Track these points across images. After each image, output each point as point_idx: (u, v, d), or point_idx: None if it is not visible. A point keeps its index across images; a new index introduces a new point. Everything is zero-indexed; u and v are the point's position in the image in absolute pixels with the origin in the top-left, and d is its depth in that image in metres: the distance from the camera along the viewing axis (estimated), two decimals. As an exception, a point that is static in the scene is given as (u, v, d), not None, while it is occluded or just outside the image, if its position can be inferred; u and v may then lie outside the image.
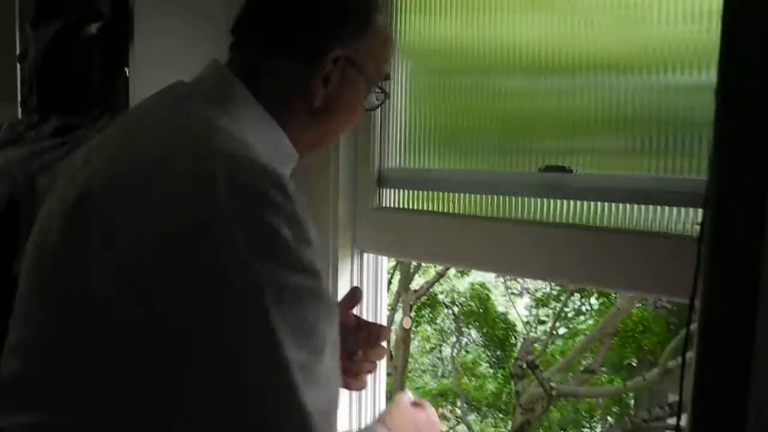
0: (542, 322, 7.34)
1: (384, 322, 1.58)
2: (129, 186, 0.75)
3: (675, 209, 1.07)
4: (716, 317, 0.82)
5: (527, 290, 7.74)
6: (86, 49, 1.59)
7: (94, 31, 1.58)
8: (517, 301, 7.79)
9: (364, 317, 1.53)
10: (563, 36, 1.21)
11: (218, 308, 0.71)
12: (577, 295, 7.03)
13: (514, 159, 1.31)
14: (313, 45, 0.87)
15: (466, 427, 7.15)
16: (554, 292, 7.26)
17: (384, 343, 1.12)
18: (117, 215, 0.74)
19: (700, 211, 0.89)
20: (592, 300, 7.08)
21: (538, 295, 7.46)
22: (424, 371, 8.35)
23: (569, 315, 7.33)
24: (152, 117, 0.85)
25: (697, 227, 0.88)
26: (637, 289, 1.19)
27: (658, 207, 1.11)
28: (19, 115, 1.98)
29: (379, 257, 1.56)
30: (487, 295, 7.39)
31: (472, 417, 7.42)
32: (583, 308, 7.26)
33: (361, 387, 1.13)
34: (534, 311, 7.47)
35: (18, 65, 1.93)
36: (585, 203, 1.19)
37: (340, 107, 0.92)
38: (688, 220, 1.06)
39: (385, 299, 1.61)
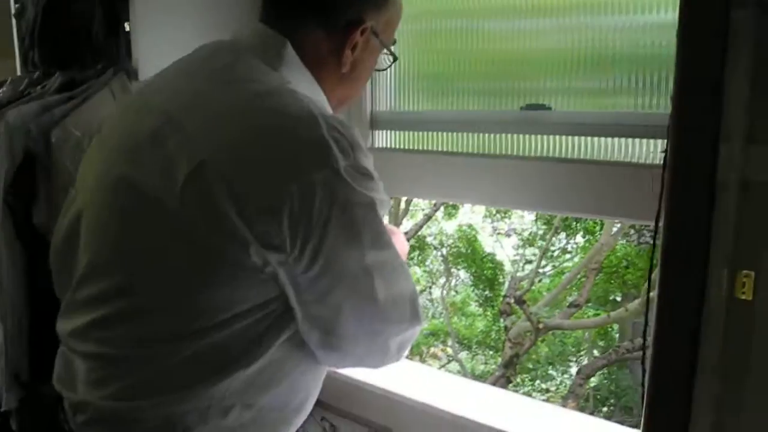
0: (529, 262, 7.50)
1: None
2: (252, 154, 0.85)
3: (639, 141, 1.18)
4: (677, 235, 0.94)
5: (514, 230, 7.90)
6: (86, 5, 1.64)
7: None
8: (504, 241, 7.95)
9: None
10: None
11: (341, 229, 0.86)
12: (563, 234, 7.19)
13: (498, 99, 1.40)
14: (349, 17, 0.98)
15: (458, 364, 7.38)
16: (540, 232, 7.42)
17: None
18: (245, 179, 0.84)
19: (663, 142, 1.00)
20: (578, 238, 7.24)
21: (525, 235, 7.61)
22: (415, 312, 8.52)
23: (555, 254, 7.50)
24: (227, 79, 0.93)
25: (662, 155, 0.99)
26: (606, 214, 1.30)
27: (627, 139, 1.21)
28: (18, 71, 2.03)
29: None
30: (475, 236, 7.54)
31: (463, 355, 7.65)
32: (569, 247, 7.43)
33: None
34: (521, 251, 7.63)
35: (14, 21, 1.97)
36: (561, 137, 1.29)
37: (362, 70, 1.04)
38: (651, 150, 1.17)
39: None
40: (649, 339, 0.99)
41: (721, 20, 0.88)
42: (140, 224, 0.89)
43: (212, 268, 0.86)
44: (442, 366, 7.69)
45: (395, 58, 1.08)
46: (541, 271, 7.42)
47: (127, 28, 1.54)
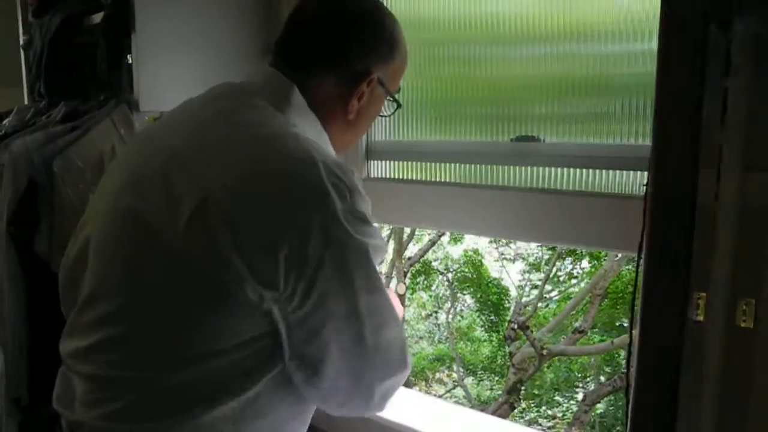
0: (536, 287, 7.49)
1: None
2: (253, 194, 0.89)
3: (626, 173, 1.21)
4: (657, 265, 0.96)
5: (520, 255, 7.89)
6: (90, 39, 1.69)
7: (98, 20, 1.68)
8: (510, 267, 7.94)
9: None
10: (540, 7, 1.32)
11: (334, 269, 0.89)
12: (569, 259, 7.18)
13: (491, 125, 1.42)
14: (358, 69, 1.02)
15: (462, 390, 7.35)
16: (546, 257, 7.41)
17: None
18: (246, 217, 0.88)
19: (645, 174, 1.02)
20: (584, 263, 7.23)
21: (531, 260, 7.61)
22: (420, 337, 8.51)
23: (561, 279, 7.49)
24: (235, 121, 0.97)
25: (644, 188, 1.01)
26: (592, 244, 1.32)
27: (615, 171, 1.24)
28: (26, 100, 2.09)
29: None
30: (480, 261, 7.54)
31: (468, 380, 7.61)
32: (575, 271, 7.42)
33: None
34: (527, 276, 7.62)
35: (23, 53, 2.03)
36: (551, 169, 1.32)
37: (366, 117, 1.08)
38: (638, 182, 1.19)
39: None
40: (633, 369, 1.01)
41: (699, 49, 0.91)
42: (144, 255, 0.93)
43: (210, 301, 0.88)
44: (448, 391, 7.65)
45: (399, 106, 1.12)
46: (548, 296, 7.41)
47: (130, 62, 1.59)
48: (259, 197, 0.89)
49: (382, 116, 1.13)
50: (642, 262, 1.00)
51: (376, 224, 0.95)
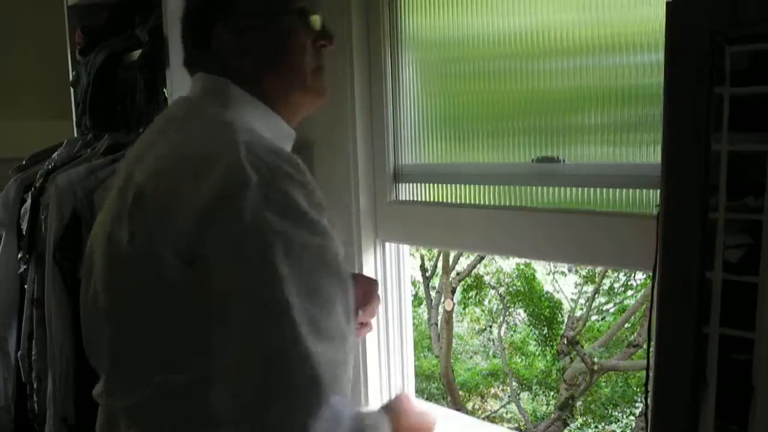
0: (590, 298, 7.38)
1: (408, 307, 1.74)
2: (176, 180, 0.93)
3: (646, 191, 1.21)
4: (670, 292, 0.96)
5: (573, 268, 7.79)
6: (130, 75, 1.78)
7: (136, 58, 1.77)
8: (563, 279, 7.84)
9: (389, 304, 1.70)
10: (557, 21, 1.33)
11: (236, 255, 0.87)
12: (624, 270, 7.05)
13: (511, 140, 1.43)
14: (224, 31, 1.05)
15: (515, 407, 7.27)
16: (599, 269, 7.30)
17: (377, 300, 1.22)
18: (170, 201, 0.92)
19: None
20: (639, 274, 7.09)
21: (584, 272, 7.50)
22: (474, 352, 8.47)
23: (617, 290, 7.35)
24: (174, 124, 1.04)
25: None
26: (612, 263, 1.32)
27: (636, 190, 1.24)
28: (75, 132, 2.20)
29: (400, 246, 1.72)
30: (533, 274, 7.47)
31: (524, 395, 7.52)
32: (631, 282, 7.27)
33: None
34: (580, 288, 7.52)
35: (72, 89, 2.14)
36: (572, 189, 1.32)
37: (287, 61, 1.07)
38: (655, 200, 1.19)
39: (408, 285, 1.77)
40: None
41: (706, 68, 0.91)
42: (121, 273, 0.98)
43: (172, 299, 0.91)
44: (502, 406, 7.57)
45: (319, 34, 1.08)
46: (603, 309, 7.28)
47: (165, 95, 1.66)
48: (176, 182, 0.92)
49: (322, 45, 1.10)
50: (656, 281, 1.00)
51: (321, 220, 0.90)
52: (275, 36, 1.06)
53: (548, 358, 7.36)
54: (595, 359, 4.95)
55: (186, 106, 1.07)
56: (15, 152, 2.36)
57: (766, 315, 0.89)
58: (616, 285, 7.29)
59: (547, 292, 7.51)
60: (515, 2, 1.40)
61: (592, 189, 1.30)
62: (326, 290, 0.90)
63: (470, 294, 7.84)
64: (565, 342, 5.31)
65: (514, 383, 7.42)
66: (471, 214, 1.50)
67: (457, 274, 6.75)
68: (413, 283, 7.34)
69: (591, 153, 1.31)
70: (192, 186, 0.90)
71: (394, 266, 1.72)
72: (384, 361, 1.72)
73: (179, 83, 1.62)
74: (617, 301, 7.33)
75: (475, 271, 7.22)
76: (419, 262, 7.30)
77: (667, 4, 0.98)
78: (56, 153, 1.92)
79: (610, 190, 1.28)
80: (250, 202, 0.87)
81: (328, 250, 0.92)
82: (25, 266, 1.81)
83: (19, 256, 1.84)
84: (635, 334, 6.00)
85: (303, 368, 0.85)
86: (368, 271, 1.69)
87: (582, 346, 4.99)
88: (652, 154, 1.20)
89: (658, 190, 1.15)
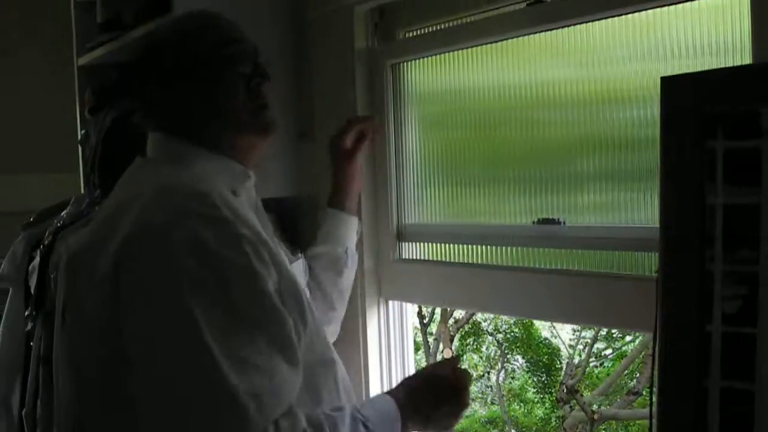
0: (588, 345, 7.35)
1: (410, 366, 1.75)
2: (99, 234, 1.02)
3: (646, 254, 1.24)
4: (672, 348, 0.99)
5: (571, 314, 7.76)
6: (137, 135, 1.82)
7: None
8: (561, 325, 7.82)
9: (392, 358, 1.72)
10: (552, 77, 1.38)
11: (145, 297, 0.93)
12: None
13: (512, 200, 1.47)
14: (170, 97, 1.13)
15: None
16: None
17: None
18: (94, 255, 0.99)
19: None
20: (636, 320, 7.07)
21: (581, 318, 7.47)
22: (473, 399, 8.39)
23: (615, 336, 7.33)
24: (118, 187, 1.15)
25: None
26: (613, 324, 1.34)
27: (636, 253, 1.27)
28: (81, 185, 2.24)
29: (403, 304, 1.74)
30: (530, 321, 7.45)
31: (523, 443, 7.44)
32: (629, 329, 7.25)
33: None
34: (578, 334, 7.49)
35: (80, 147, 2.19)
36: (571, 251, 1.36)
37: (220, 108, 1.13)
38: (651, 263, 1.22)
39: (411, 343, 1.79)
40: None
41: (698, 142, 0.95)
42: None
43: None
44: (502, 455, 7.48)
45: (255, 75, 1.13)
46: (602, 354, 7.25)
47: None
48: (98, 235, 1.03)
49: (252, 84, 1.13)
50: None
51: (235, 255, 0.94)
52: (204, 86, 1.11)
53: (547, 405, 7.30)
54: (595, 407, 4.92)
55: (135, 167, 1.15)
56: (23, 205, 2.40)
57: (765, 367, 0.91)
58: (614, 330, 7.27)
59: (545, 339, 7.49)
60: (514, 59, 1.45)
61: (592, 251, 1.33)
62: (241, 323, 0.92)
63: (468, 341, 7.81)
64: (565, 390, 5.29)
65: (513, 431, 7.34)
66: (474, 273, 1.53)
67: (455, 321, 6.73)
68: (411, 330, 7.30)
69: (591, 215, 1.35)
70: (110, 236, 0.97)
71: (398, 324, 1.75)
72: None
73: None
74: (616, 346, 7.31)
75: (472, 317, 7.20)
76: (416, 309, 7.29)
77: (662, 79, 1.03)
78: (65, 211, 1.95)
79: (611, 252, 1.31)
80: (157, 244, 0.93)
81: (241, 283, 0.93)
82: (32, 324, 1.82)
83: (26, 313, 1.85)
84: (634, 380, 5.97)
85: (229, 407, 0.87)
86: (372, 328, 1.71)
87: (582, 395, 4.96)
88: (651, 216, 1.24)
89: (657, 253, 1.19)
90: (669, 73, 1.17)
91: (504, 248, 1.49)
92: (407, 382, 1.15)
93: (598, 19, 1.28)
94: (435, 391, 1.11)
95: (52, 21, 2.60)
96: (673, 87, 1.02)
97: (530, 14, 1.39)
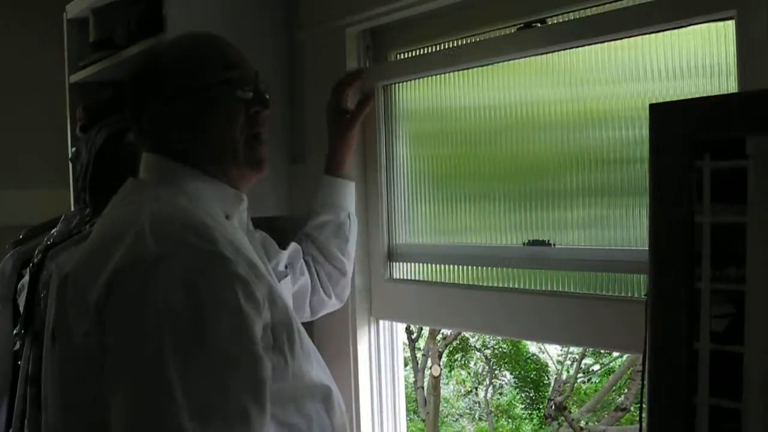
0: (576, 360, 7.37)
1: (400, 385, 1.76)
2: (91, 259, 1.02)
3: (636, 276, 1.26)
4: (661, 369, 1.00)
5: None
6: (130, 154, 1.82)
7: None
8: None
9: (383, 377, 1.72)
10: (541, 97, 1.40)
11: (126, 324, 0.94)
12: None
13: (503, 221, 1.48)
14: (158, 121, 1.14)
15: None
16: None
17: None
18: (83, 277, 1.00)
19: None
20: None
21: (569, 333, 7.49)
22: (461, 415, 8.37)
23: (603, 352, 7.35)
24: (110, 208, 1.15)
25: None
26: (603, 345, 1.36)
27: (626, 275, 1.29)
28: (71, 201, 2.24)
29: (393, 324, 1.75)
30: (518, 336, 7.46)
31: (511, 459, 7.42)
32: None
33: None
34: (567, 349, 7.51)
35: (71, 164, 2.18)
36: (560, 272, 1.37)
37: (210, 138, 1.13)
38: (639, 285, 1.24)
39: (401, 360, 1.79)
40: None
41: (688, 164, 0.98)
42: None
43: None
44: (490, 471, 7.46)
45: (248, 100, 1.13)
46: (590, 369, 7.27)
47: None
48: (90, 259, 1.04)
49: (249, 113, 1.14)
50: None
51: (220, 289, 0.94)
52: (202, 109, 1.11)
53: (535, 421, 7.30)
54: (583, 423, 4.93)
55: (129, 187, 1.15)
56: (11, 221, 2.40)
57: (752, 385, 0.93)
58: (600, 346, 7.28)
59: (533, 355, 7.50)
60: (504, 80, 1.47)
61: (581, 272, 1.35)
62: (217, 362, 0.91)
63: (456, 356, 7.81)
64: (553, 407, 5.29)
65: (501, 448, 7.34)
66: (464, 294, 1.54)
67: (444, 337, 6.73)
68: (399, 346, 7.29)
69: (580, 232, 1.36)
70: (103, 262, 0.97)
71: (388, 343, 1.75)
72: (377, 435, 1.74)
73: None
74: (604, 362, 7.33)
75: (460, 333, 7.21)
76: (404, 325, 7.28)
77: (650, 106, 1.05)
78: (55, 229, 1.94)
79: (600, 274, 1.33)
80: (148, 272, 0.93)
81: (223, 321, 0.93)
82: (20, 343, 1.81)
83: (15, 332, 1.84)
84: (622, 396, 5.99)
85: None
86: (362, 347, 1.72)
87: (570, 411, 4.97)
88: (639, 234, 1.25)
89: (645, 276, 1.20)
90: (656, 93, 1.22)
91: (494, 269, 1.50)
92: None
93: (587, 45, 1.30)
94: None
95: (44, 38, 2.60)
96: (662, 114, 1.04)
97: (520, 39, 1.42)
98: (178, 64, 1.13)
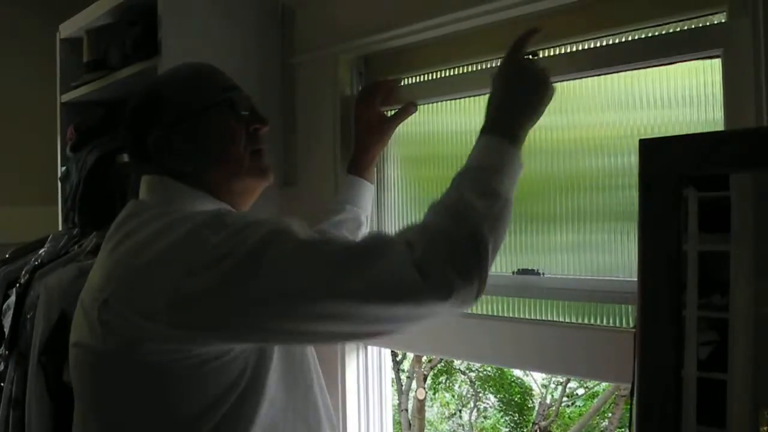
0: (560, 384, 7.37)
1: (388, 411, 1.76)
2: (137, 280, 1.02)
3: (615, 306, 1.27)
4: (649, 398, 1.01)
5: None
6: (120, 175, 1.83)
7: (126, 159, 1.82)
8: (533, 365, 7.83)
9: (370, 404, 1.72)
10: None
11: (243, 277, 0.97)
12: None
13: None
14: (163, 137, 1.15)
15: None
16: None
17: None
18: (125, 288, 1.02)
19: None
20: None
21: (554, 357, 7.50)
22: (445, 436, 8.34)
23: (587, 376, 7.35)
24: (122, 229, 1.11)
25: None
26: (594, 376, 1.37)
27: (614, 305, 1.30)
28: (59, 218, 2.23)
29: (382, 350, 1.75)
30: (503, 360, 7.46)
31: (494, 483, 7.39)
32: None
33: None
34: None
35: (59, 183, 2.18)
36: (549, 302, 1.38)
37: (212, 157, 1.16)
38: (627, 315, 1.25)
39: (389, 386, 1.79)
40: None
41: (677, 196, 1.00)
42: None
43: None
44: (473, 496, 7.42)
45: (250, 118, 1.18)
46: (575, 393, 7.28)
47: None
48: (134, 274, 1.04)
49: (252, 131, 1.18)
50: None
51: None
52: (205, 130, 1.14)
53: (519, 444, 7.29)
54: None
55: (134, 211, 1.14)
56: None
57: (735, 413, 0.94)
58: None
59: (518, 378, 7.50)
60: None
61: (571, 303, 1.36)
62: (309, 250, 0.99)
63: (440, 379, 7.79)
64: (538, 431, 5.28)
65: (484, 472, 7.31)
66: (454, 321, 1.54)
67: (429, 360, 6.72)
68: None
69: (568, 256, 1.37)
70: (158, 275, 1.00)
71: (376, 369, 1.75)
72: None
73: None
74: (588, 386, 7.34)
75: (446, 355, 7.20)
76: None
77: (640, 141, 1.07)
78: (42, 249, 1.93)
79: (588, 303, 1.34)
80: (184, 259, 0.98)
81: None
82: (4, 364, 1.79)
83: (-1, 353, 1.83)
84: (606, 421, 5.99)
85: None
86: (350, 373, 1.71)
87: (554, 437, 4.97)
88: (627, 260, 1.27)
89: (633, 306, 1.22)
90: (645, 122, 1.24)
91: (484, 297, 1.50)
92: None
93: (580, 78, 1.32)
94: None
95: (37, 57, 2.60)
96: (651, 149, 1.07)
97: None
98: (178, 87, 1.16)
